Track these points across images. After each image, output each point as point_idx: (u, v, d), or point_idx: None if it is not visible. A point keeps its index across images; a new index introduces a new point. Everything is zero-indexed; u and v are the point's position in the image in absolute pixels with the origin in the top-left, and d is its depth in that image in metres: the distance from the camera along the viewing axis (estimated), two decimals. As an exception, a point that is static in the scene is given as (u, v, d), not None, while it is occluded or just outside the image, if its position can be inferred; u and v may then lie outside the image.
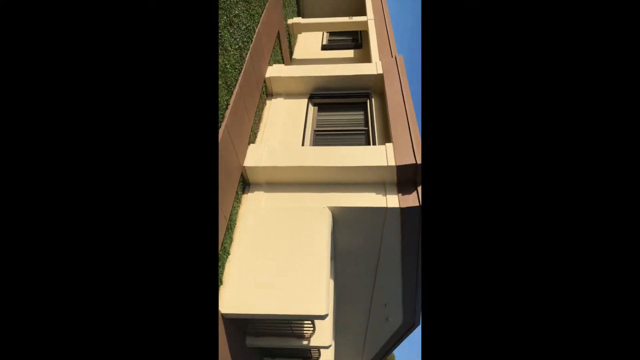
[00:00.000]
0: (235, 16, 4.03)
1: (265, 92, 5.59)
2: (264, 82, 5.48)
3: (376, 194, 4.11)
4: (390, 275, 5.03)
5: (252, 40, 4.73)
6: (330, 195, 4.12)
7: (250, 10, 4.65)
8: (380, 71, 5.33)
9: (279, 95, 5.66)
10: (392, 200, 3.98)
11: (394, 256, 4.68)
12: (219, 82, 3.50)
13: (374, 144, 4.79)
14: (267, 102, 5.61)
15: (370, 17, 7.61)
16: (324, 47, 8.63)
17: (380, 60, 5.68)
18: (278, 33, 6.64)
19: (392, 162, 3.99)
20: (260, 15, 5.21)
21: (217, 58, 3.47)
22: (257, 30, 4.96)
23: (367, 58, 7.89)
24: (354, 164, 4.03)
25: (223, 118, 3.64)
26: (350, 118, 5.43)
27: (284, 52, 7.06)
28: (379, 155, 4.09)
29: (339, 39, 8.88)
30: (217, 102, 3.40)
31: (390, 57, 5.62)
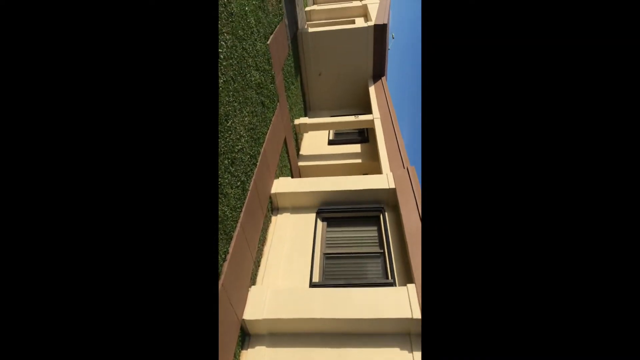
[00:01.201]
0: (238, 151, 3.83)
1: (271, 207, 5.26)
2: (270, 198, 5.19)
3: (400, 349, 3.44)
4: None
5: (257, 164, 4.51)
6: (345, 351, 3.46)
7: (254, 135, 4.51)
8: (392, 185, 5.01)
9: (285, 210, 5.32)
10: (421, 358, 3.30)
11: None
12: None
13: (392, 273, 4.24)
14: (273, 218, 5.25)
15: (376, 116, 7.64)
16: (330, 142, 8.61)
17: (391, 171, 5.42)
18: (285, 139, 6.58)
19: (417, 314, 3.39)
20: (266, 134, 5.10)
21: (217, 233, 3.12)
22: (262, 150, 4.80)
23: (374, 153, 7.76)
24: (371, 315, 3.44)
25: (221, 273, 3.19)
26: (363, 235, 4.98)
27: (290, 157, 6.94)
28: (401, 303, 3.51)
29: (345, 133, 8.90)
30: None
31: (402, 169, 5.36)
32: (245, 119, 4.13)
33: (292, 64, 7.99)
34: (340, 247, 4.87)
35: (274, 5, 6.19)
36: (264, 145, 4.90)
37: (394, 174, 5.27)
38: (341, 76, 9.48)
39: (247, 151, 4.15)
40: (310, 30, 8.80)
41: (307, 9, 11.19)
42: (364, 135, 8.56)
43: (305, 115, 9.80)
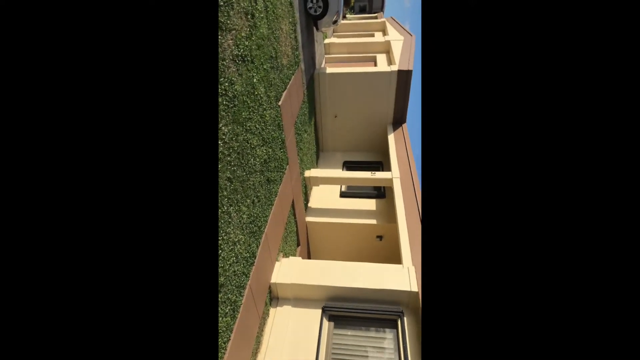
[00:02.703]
0: (231, 265, 3.11)
1: (270, 297, 4.52)
2: (269, 288, 4.45)
3: None
4: None
5: (254, 263, 3.78)
6: None
7: (254, 228, 3.79)
8: (414, 288, 4.22)
9: (286, 301, 4.57)
10: None
11: None
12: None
13: (411, 415, 3.43)
14: (271, 310, 4.50)
15: (395, 175, 6.88)
16: (343, 194, 7.86)
17: (413, 264, 4.62)
18: (293, 201, 5.87)
19: None
20: (270, 215, 4.38)
21: None
22: (262, 239, 4.07)
23: (391, 213, 6.99)
24: None
25: None
26: (377, 346, 4.18)
27: (298, 218, 6.22)
28: None
29: (360, 185, 8.14)
30: None
31: (427, 265, 4.56)
32: (244, 216, 3.42)
33: (307, 109, 7.34)
34: (351, 358, 4.07)
35: (290, 56, 5.55)
36: (265, 231, 4.19)
37: (416, 268, 4.48)
38: (358, 119, 8.78)
39: (243, 255, 3.43)
40: (329, 71, 8.15)
41: (327, 41, 10.60)
42: (380, 190, 7.79)
43: (317, 157, 9.11)
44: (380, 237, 7.16)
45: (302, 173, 6.92)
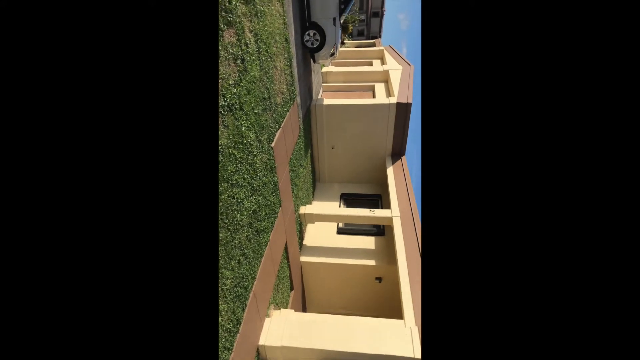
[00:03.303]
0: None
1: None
2: (257, 351, 4.01)
3: None
4: None
5: (239, 330, 3.37)
6: None
7: (239, 289, 3.40)
8: (418, 355, 3.79)
9: (275, 364, 4.12)
10: None
11: None
12: None
13: None
14: (259, 375, 4.04)
15: (395, 214, 6.54)
16: (340, 231, 7.49)
17: (417, 324, 4.21)
18: (286, 244, 5.49)
19: None
20: (258, 270, 3.99)
21: None
22: (249, 301, 3.67)
23: (390, 253, 6.60)
24: None
25: None
26: (375, 422, 3.71)
27: (291, 262, 5.82)
28: None
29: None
30: None
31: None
32: (227, 281, 3.04)
33: (303, 142, 7.07)
34: None
35: (285, 93, 5.31)
36: (253, 289, 3.79)
37: (420, 329, 4.06)
38: (356, 150, 8.53)
39: (226, 327, 3.02)
40: (326, 102, 7.96)
41: (324, 70, 10.49)
42: (380, 227, 7.43)
43: (314, 189, 8.79)
44: (379, 279, 6.74)
45: (296, 210, 6.57)
